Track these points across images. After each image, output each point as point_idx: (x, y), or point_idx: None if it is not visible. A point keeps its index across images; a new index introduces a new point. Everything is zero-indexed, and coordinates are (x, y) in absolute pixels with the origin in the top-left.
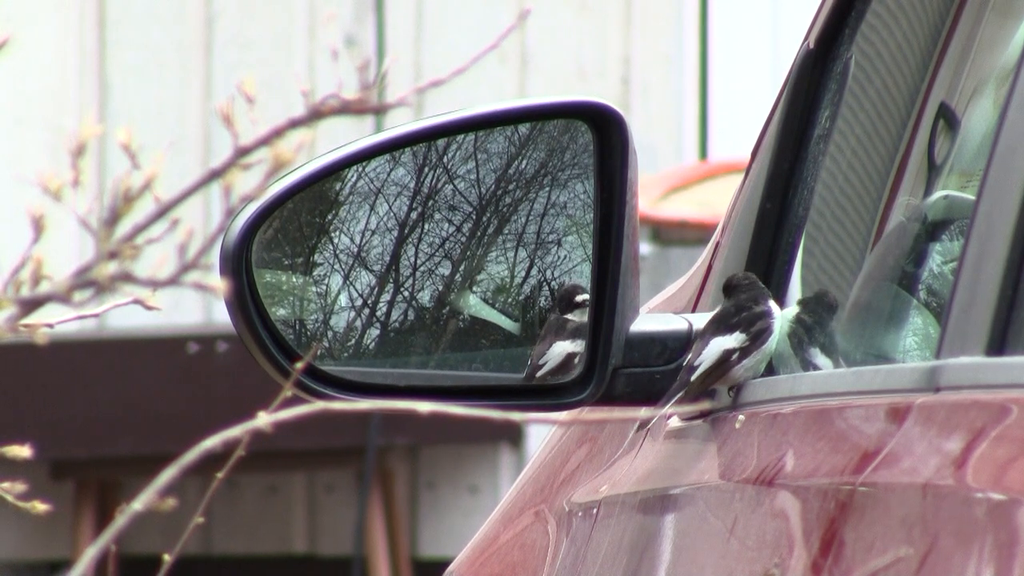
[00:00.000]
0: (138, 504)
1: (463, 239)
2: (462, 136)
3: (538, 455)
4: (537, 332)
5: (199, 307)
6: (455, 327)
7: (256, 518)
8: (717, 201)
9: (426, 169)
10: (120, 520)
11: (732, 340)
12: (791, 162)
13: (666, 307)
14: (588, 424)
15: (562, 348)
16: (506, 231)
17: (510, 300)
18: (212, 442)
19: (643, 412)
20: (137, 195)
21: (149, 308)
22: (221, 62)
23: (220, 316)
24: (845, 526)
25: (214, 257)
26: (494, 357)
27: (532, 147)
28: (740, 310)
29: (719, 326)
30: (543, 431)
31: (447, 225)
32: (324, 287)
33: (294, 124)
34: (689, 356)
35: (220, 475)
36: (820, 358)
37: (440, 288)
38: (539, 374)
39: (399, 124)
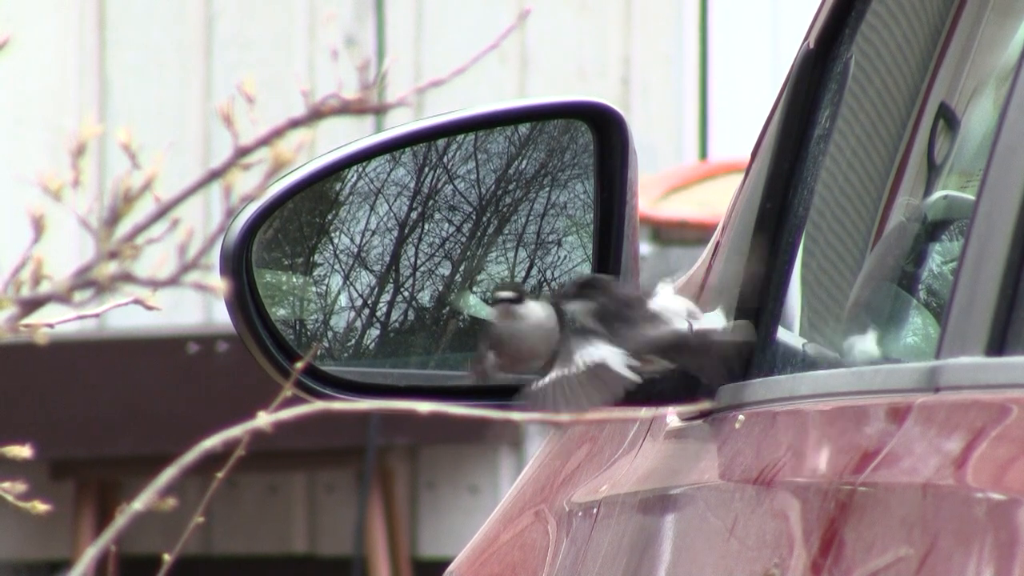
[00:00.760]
0: (138, 504)
1: (463, 239)
2: (462, 136)
3: (538, 455)
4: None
5: (199, 307)
6: (455, 327)
7: (256, 518)
8: (717, 201)
9: (426, 169)
10: (120, 520)
11: None
12: (791, 162)
13: None
14: (588, 424)
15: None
16: (506, 231)
17: None
18: (212, 442)
19: (643, 412)
20: (137, 195)
21: (149, 308)
22: (221, 62)
23: (220, 316)
24: (845, 526)
25: (214, 257)
26: None
27: (532, 147)
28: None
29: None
30: (543, 431)
31: (447, 225)
32: (324, 287)
33: (294, 124)
34: None
35: (220, 475)
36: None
37: (440, 288)
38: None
39: (399, 124)
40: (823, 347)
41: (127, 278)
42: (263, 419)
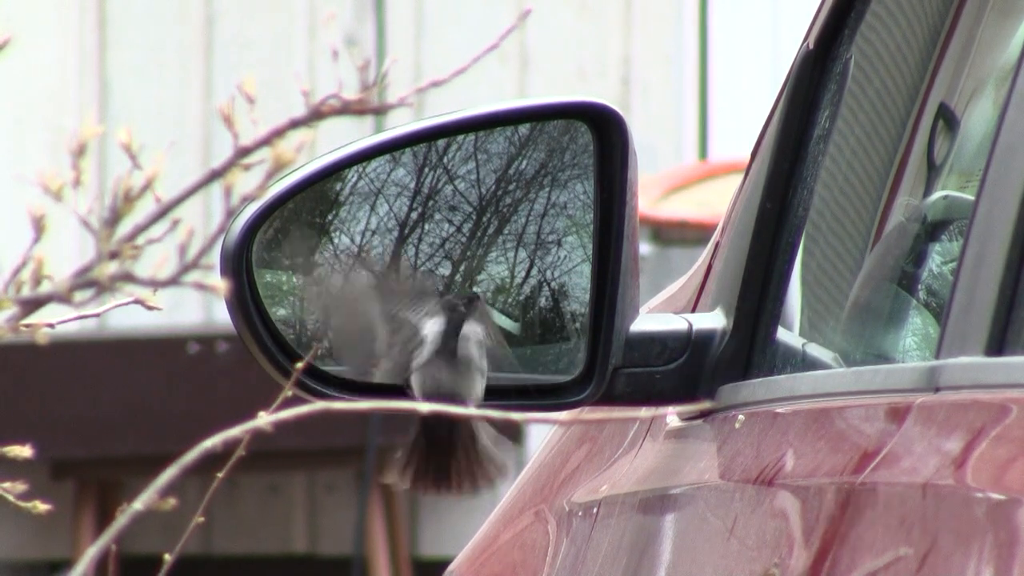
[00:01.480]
0: (138, 504)
1: (463, 239)
2: (462, 136)
3: (538, 455)
4: (537, 332)
5: (199, 307)
6: None
7: (256, 518)
8: (717, 201)
9: (426, 169)
10: (120, 520)
11: None
12: (791, 162)
13: (666, 307)
14: (588, 424)
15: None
16: (506, 231)
17: (510, 300)
18: (212, 442)
19: (643, 412)
20: (138, 195)
21: (149, 308)
22: (221, 62)
23: (220, 316)
24: (845, 526)
25: (214, 257)
26: None
27: (532, 147)
28: None
29: None
30: (543, 431)
31: (447, 225)
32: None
33: (294, 124)
34: None
35: (220, 475)
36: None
37: (440, 288)
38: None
39: (399, 124)
40: (823, 347)
41: (127, 278)
42: (263, 419)
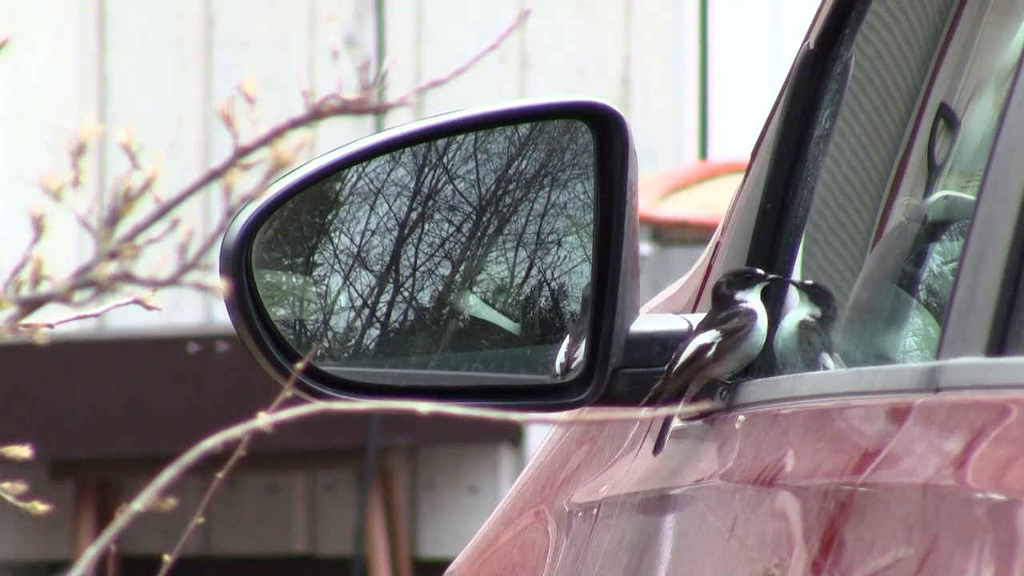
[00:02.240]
0: (138, 504)
1: (463, 239)
2: (462, 136)
3: (538, 455)
4: (536, 332)
5: (199, 307)
6: (455, 327)
7: (256, 518)
8: (717, 201)
9: (426, 169)
10: (120, 520)
11: (707, 337)
12: (791, 162)
13: (666, 307)
14: (588, 424)
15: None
16: (506, 231)
17: (510, 300)
18: (212, 442)
19: (643, 412)
20: (137, 195)
21: (149, 308)
22: (221, 62)
23: (220, 316)
24: (845, 526)
25: (214, 257)
26: (494, 357)
27: (532, 147)
28: (722, 309)
29: (702, 326)
30: (543, 431)
31: (447, 225)
32: (324, 287)
33: (294, 124)
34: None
35: (220, 475)
36: (828, 361)
37: (440, 288)
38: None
39: (399, 124)
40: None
41: (127, 278)
42: (263, 419)
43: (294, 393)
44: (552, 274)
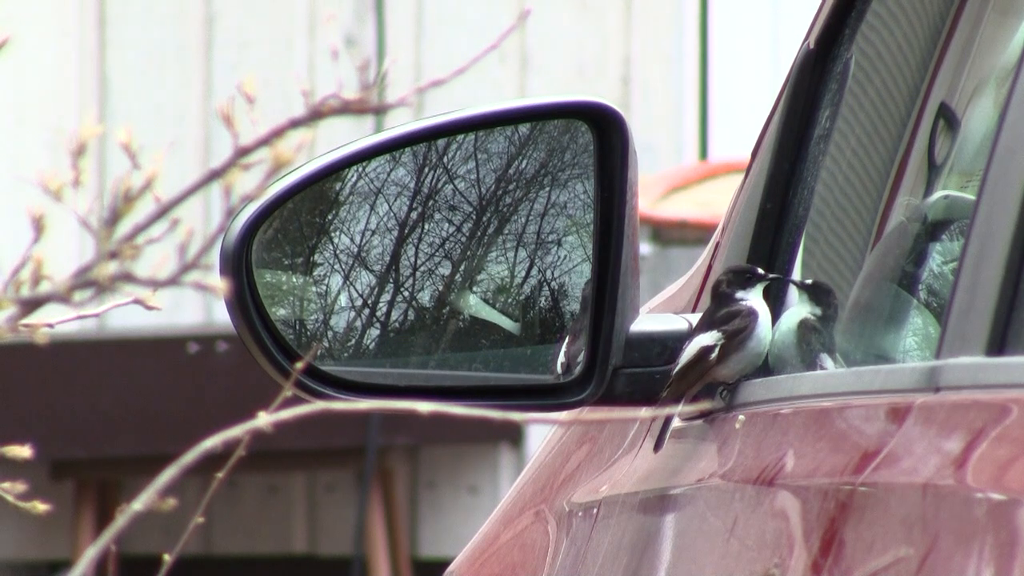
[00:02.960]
0: (138, 504)
1: (463, 239)
2: (462, 136)
3: (538, 455)
4: (536, 332)
5: (199, 307)
6: (455, 327)
7: (256, 518)
8: (717, 201)
9: (426, 169)
10: (120, 520)
11: (708, 338)
12: (791, 162)
13: (666, 307)
14: (588, 424)
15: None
16: (506, 231)
17: (510, 300)
18: (212, 442)
19: (643, 412)
20: (137, 195)
21: (149, 308)
22: (221, 62)
23: (220, 316)
24: (845, 526)
25: (214, 257)
26: (494, 357)
27: (532, 147)
28: (722, 307)
29: (702, 324)
30: (543, 431)
31: (447, 225)
32: (324, 287)
33: (294, 124)
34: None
35: (220, 475)
36: (827, 361)
37: (440, 288)
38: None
39: (399, 124)
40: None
41: (127, 278)
42: (263, 419)
43: (294, 393)
44: (552, 274)
